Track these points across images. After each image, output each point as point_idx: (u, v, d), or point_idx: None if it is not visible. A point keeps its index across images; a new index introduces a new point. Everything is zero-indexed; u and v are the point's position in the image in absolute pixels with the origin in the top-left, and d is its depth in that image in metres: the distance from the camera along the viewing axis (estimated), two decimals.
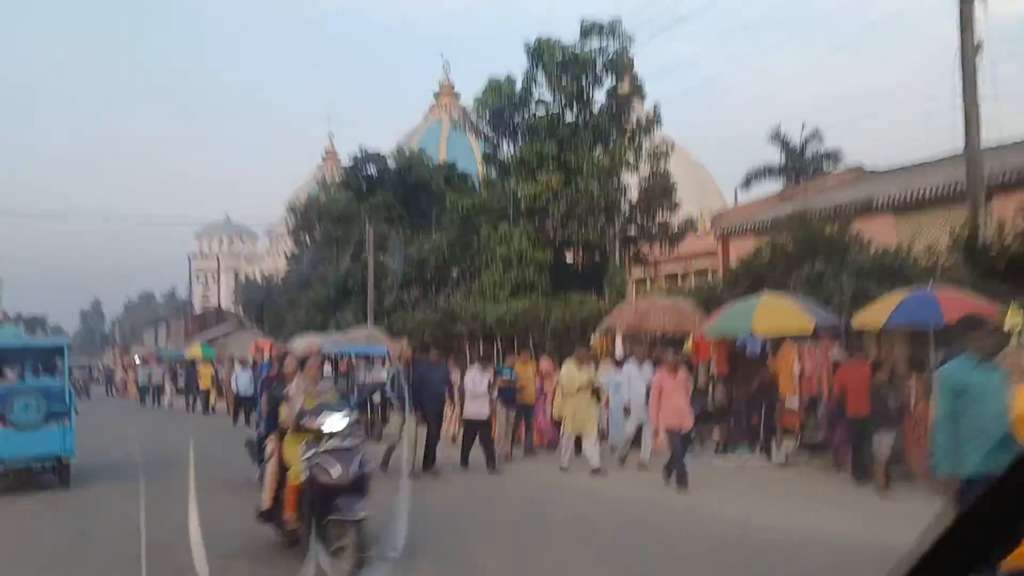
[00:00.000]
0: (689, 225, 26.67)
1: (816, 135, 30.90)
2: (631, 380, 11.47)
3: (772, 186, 29.59)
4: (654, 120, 26.51)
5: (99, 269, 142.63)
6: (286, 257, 54.81)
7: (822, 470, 11.15)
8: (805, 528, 7.65)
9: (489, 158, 28.61)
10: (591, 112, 26.68)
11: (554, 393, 13.32)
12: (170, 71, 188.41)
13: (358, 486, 5.86)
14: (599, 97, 26.77)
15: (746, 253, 17.04)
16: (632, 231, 26.40)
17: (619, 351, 14.44)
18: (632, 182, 26.86)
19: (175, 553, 6.75)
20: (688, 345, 13.37)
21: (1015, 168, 16.43)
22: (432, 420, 11.35)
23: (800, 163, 30.88)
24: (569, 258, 27.05)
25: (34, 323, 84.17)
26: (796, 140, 30.76)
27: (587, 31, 25.90)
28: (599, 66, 26.29)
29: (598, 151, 26.57)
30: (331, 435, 5.91)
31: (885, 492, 9.25)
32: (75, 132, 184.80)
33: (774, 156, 30.97)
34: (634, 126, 26.54)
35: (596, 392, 11.16)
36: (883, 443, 9.38)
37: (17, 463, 10.67)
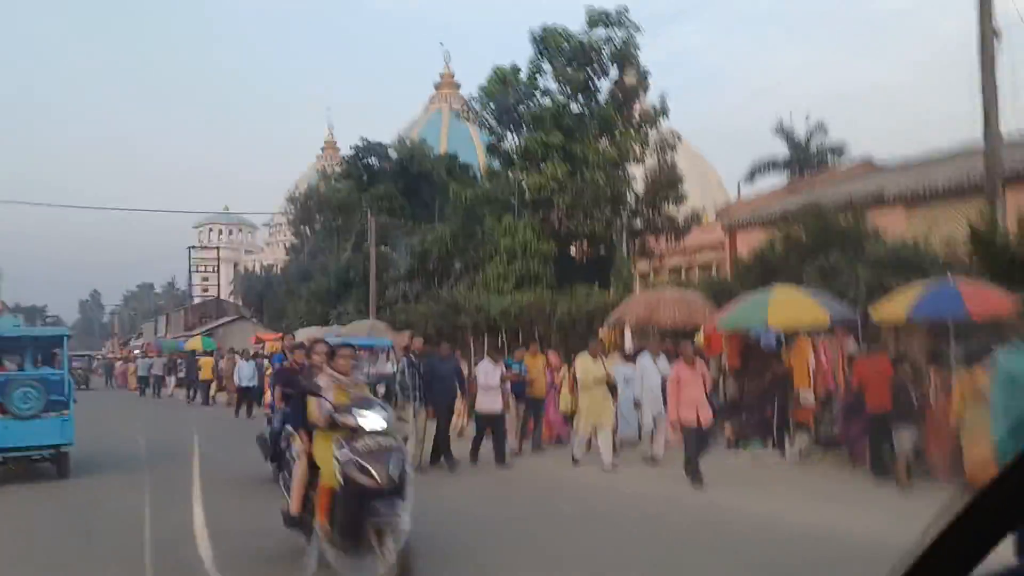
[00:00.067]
0: (695, 218, 26.42)
1: (821, 128, 30.68)
2: (645, 373, 11.19)
3: (776, 179, 29.37)
4: (661, 111, 26.23)
5: (98, 260, 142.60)
6: (285, 248, 54.58)
7: (838, 466, 10.93)
8: (828, 525, 7.43)
9: (493, 148, 28.31)
10: (597, 102, 26.40)
11: (561, 386, 13.10)
12: (170, 62, 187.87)
13: (398, 489, 5.32)
14: (605, 87, 26.52)
15: (756, 246, 16.80)
16: (638, 223, 26.15)
17: (628, 344, 14.20)
18: (638, 174, 26.61)
19: (179, 548, 6.55)
20: (699, 338, 13.12)
21: None
22: (442, 415, 11.12)
23: (805, 156, 30.64)
24: (574, 250, 26.80)
25: (33, 313, 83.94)
26: (800, 133, 30.53)
27: (593, 20, 25.59)
28: (605, 56, 26.00)
29: (604, 142, 26.31)
30: (368, 433, 5.38)
31: (906, 489, 9.03)
32: (75, 123, 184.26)
33: (777, 149, 30.74)
34: (641, 117, 26.27)
35: (612, 386, 10.91)
36: (904, 439, 9.15)
37: (16, 453, 10.57)
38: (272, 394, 10.11)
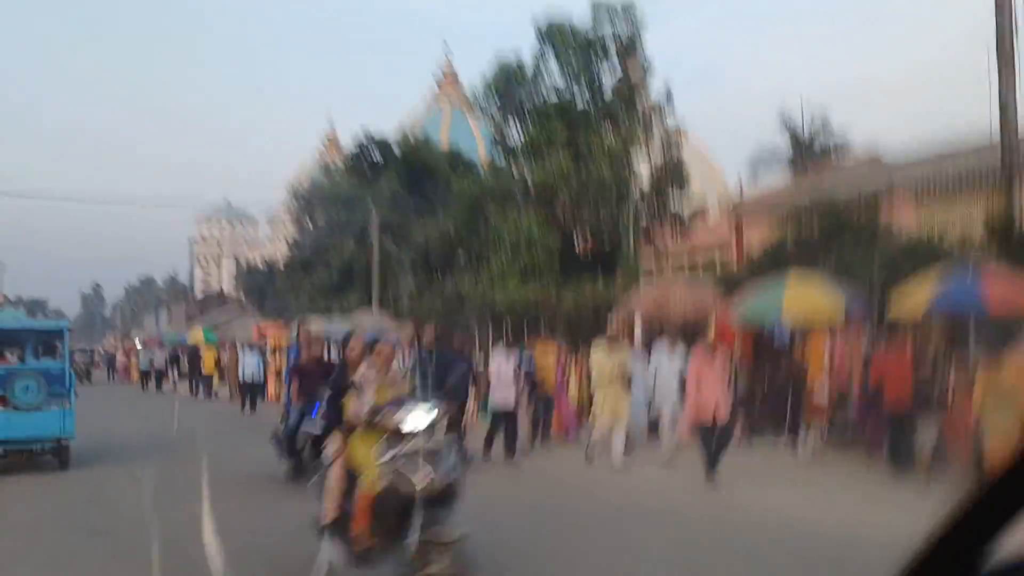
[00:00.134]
0: (700, 211, 26.23)
1: (823, 122, 30.40)
2: (660, 367, 10.96)
3: (778, 174, 29.09)
4: (666, 104, 26.01)
5: (100, 253, 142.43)
6: (287, 242, 54.36)
7: (853, 463, 10.72)
8: (850, 524, 7.24)
9: (497, 141, 28.08)
10: (602, 95, 26.17)
11: (569, 379, 12.91)
12: (171, 55, 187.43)
13: (448, 497, 4.85)
14: (610, 80, 26.28)
15: (764, 239, 16.61)
16: (643, 217, 25.94)
17: (638, 337, 14.00)
18: (643, 167, 26.39)
19: (187, 546, 6.37)
20: (710, 331, 12.91)
21: None
22: (455, 411, 10.88)
23: (807, 150, 30.38)
24: (578, 244, 26.58)
25: (35, 306, 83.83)
26: (803, 128, 30.23)
27: (599, 13, 25.36)
28: (611, 49, 25.77)
29: (609, 135, 26.09)
30: (413, 434, 4.90)
31: (928, 486, 8.83)
32: (77, 115, 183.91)
33: (779, 144, 30.45)
34: (646, 109, 26.04)
35: (628, 379, 10.67)
36: (927, 436, 8.95)
37: (17, 445, 10.55)
38: (288, 390, 9.77)
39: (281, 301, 41.16)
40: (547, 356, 12.52)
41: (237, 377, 22.69)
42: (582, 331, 17.75)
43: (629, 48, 25.51)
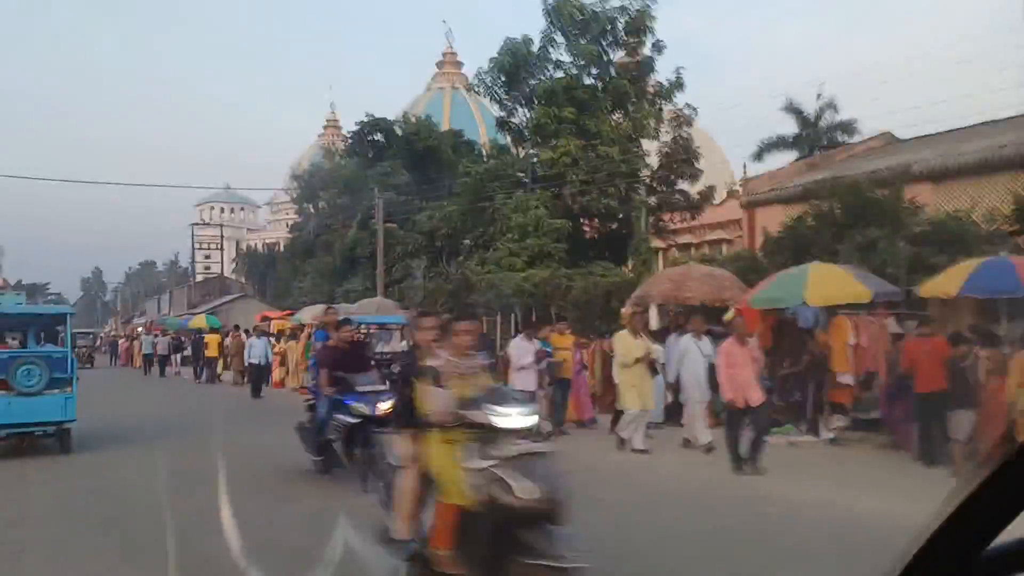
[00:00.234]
0: (711, 193, 25.85)
1: (830, 105, 29.96)
2: (688, 355, 10.60)
3: (786, 157, 28.67)
4: (676, 85, 25.59)
5: (100, 238, 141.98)
6: (287, 227, 53.95)
7: (879, 449, 10.45)
8: (883, 513, 6.92)
9: (504, 123, 27.64)
10: (611, 75, 25.74)
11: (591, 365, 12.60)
12: (170, 40, 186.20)
13: (556, 514, 3.93)
14: (619, 57, 25.84)
15: (778, 222, 16.25)
16: (652, 200, 25.57)
17: (654, 322, 13.68)
18: (652, 149, 26.00)
19: (202, 537, 6.06)
20: (730, 315, 12.60)
21: None
22: None
23: (814, 133, 29.96)
24: (587, 227, 26.22)
25: (35, 291, 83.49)
26: (809, 111, 29.80)
27: None
28: (620, 27, 25.32)
29: (617, 114, 25.68)
30: (508, 435, 4.04)
31: (961, 475, 8.54)
32: (76, 100, 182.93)
33: (783, 128, 30.05)
34: (656, 89, 25.62)
35: (653, 364, 10.35)
36: (962, 422, 8.64)
37: (19, 429, 10.67)
38: (315, 377, 9.03)
39: (283, 286, 40.88)
40: (563, 340, 12.20)
41: (242, 362, 22.42)
42: (594, 316, 17.48)
43: (639, 25, 25.05)
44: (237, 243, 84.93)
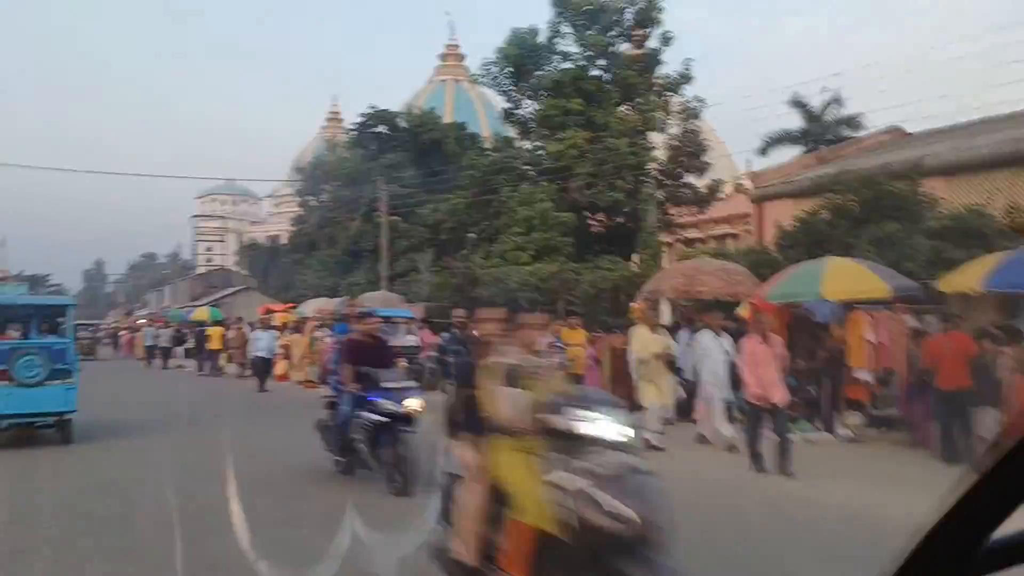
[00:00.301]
0: (719, 186, 25.63)
1: (836, 100, 29.68)
2: (708, 352, 10.36)
3: (791, 152, 28.41)
4: (684, 77, 25.35)
5: (102, 230, 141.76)
6: (290, 220, 53.71)
7: (899, 447, 10.25)
8: (909, 514, 6.74)
9: (510, 115, 27.40)
10: (618, 67, 25.49)
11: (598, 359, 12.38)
12: (173, 31, 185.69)
13: (653, 537, 3.30)
14: (627, 49, 25.59)
15: (789, 215, 16.04)
16: (660, 193, 25.36)
17: (665, 317, 13.47)
18: (659, 142, 25.77)
19: (210, 539, 5.87)
20: (743, 310, 12.38)
21: None
22: None
23: (820, 128, 29.70)
24: (593, 221, 26.01)
25: (36, 282, 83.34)
26: (815, 105, 29.53)
27: None
28: (627, 17, 25.07)
29: (625, 108, 25.43)
30: (596, 446, 3.41)
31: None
32: (78, 90, 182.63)
33: (788, 123, 29.75)
34: (663, 83, 25.38)
35: (671, 361, 10.13)
36: (987, 420, 8.44)
37: (20, 419, 10.67)
38: (337, 372, 8.48)
39: (286, 279, 40.67)
40: (574, 335, 11.99)
41: (245, 354, 22.22)
42: (602, 310, 17.28)
43: (646, 15, 24.80)
44: (239, 236, 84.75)
